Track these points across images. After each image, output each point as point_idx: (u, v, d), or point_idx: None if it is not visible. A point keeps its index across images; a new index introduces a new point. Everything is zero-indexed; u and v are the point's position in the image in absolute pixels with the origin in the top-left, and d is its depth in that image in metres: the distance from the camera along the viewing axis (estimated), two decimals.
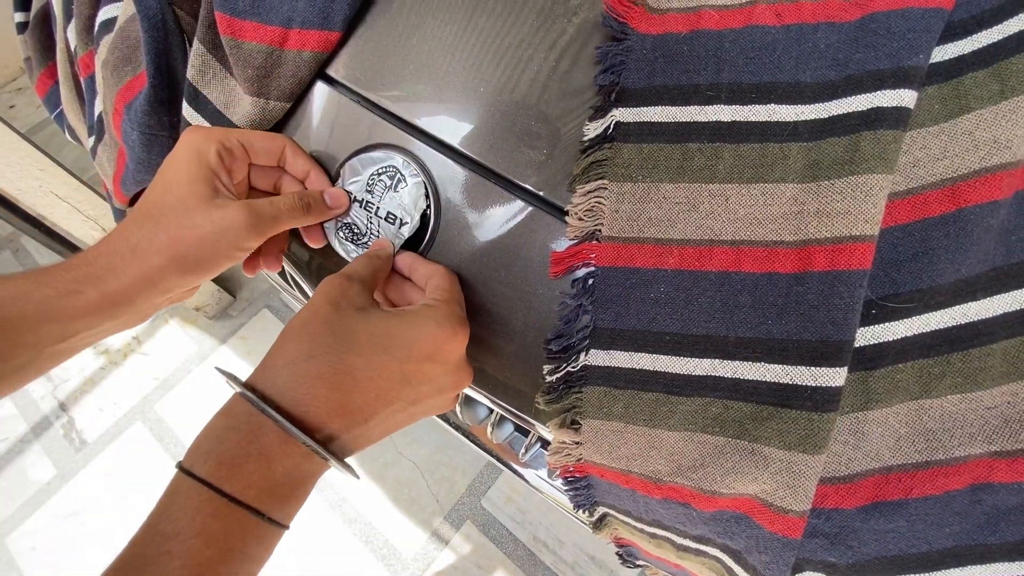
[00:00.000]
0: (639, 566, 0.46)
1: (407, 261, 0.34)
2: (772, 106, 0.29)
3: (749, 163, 0.28)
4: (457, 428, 0.52)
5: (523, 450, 0.44)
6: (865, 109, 0.27)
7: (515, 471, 0.51)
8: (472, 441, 0.51)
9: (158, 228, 0.29)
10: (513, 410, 0.34)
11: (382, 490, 0.99)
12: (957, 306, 0.26)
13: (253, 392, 0.26)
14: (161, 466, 1.03)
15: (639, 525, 0.35)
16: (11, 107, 1.55)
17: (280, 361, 0.27)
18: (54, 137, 1.46)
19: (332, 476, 1.01)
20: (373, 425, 0.28)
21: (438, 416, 0.57)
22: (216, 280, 1.13)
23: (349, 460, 0.29)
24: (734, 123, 0.29)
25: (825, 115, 0.28)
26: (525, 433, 0.48)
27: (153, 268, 0.29)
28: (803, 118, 0.28)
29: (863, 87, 0.27)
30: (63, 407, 1.08)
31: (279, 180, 0.36)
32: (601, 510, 0.37)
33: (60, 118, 0.59)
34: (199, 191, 0.30)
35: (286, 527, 0.26)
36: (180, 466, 0.25)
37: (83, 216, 0.83)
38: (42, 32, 0.57)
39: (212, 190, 0.30)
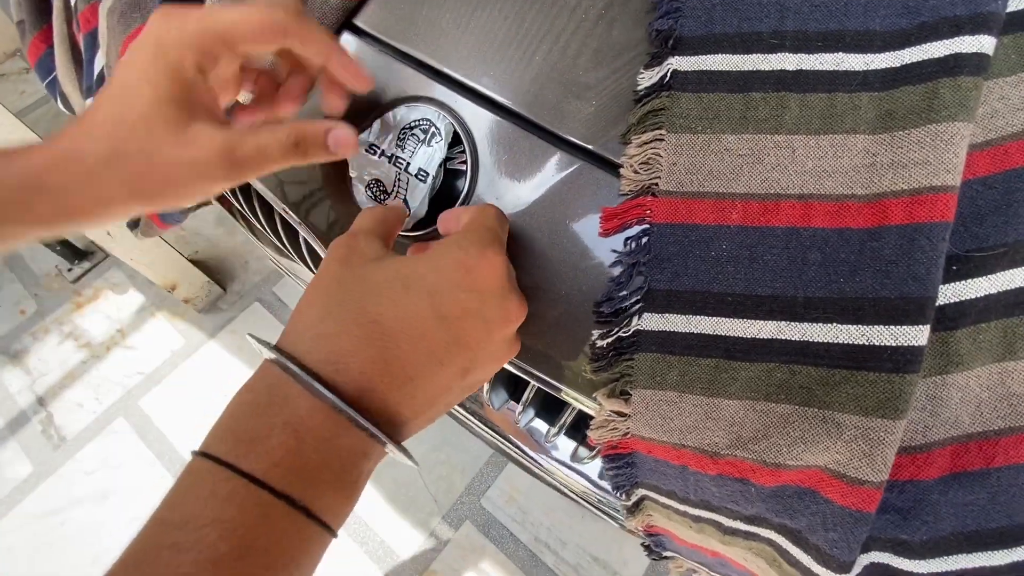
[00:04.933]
0: (666, 557, 0.44)
1: (453, 213, 0.30)
2: (840, 55, 0.27)
3: (817, 113, 0.27)
4: (472, 414, 0.50)
5: (552, 431, 0.42)
6: (943, 56, 0.26)
7: (532, 459, 0.48)
8: (484, 425, 0.48)
9: (117, 158, 0.24)
10: (554, 382, 0.32)
11: (378, 490, 0.96)
12: None
13: (282, 352, 0.22)
14: (145, 464, 0.98)
15: (683, 508, 0.33)
16: None
17: (297, 328, 0.24)
18: (38, 124, 1.41)
19: None
20: (423, 384, 0.23)
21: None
22: (206, 272, 1.09)
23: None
24: (800, 72, 0.27)
25: (897, 63, 0.27)
26: (550, 420, 0.46)
27: (113, 199, 0.25)
28: (873, 67, 0.27)
29: (939, 34, 0.26)
30: (41, 402, 1.03)
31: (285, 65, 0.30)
32: (640, 492, 0.34)
33: (52, 85, 0.56)
34: (168, 115, 0.24)
35: (332, 529, 0.22)
36: (195, 451, 0.21)
37: None
38: None
39: (185, 114, 0.25)
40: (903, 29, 0.27)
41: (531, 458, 0.49)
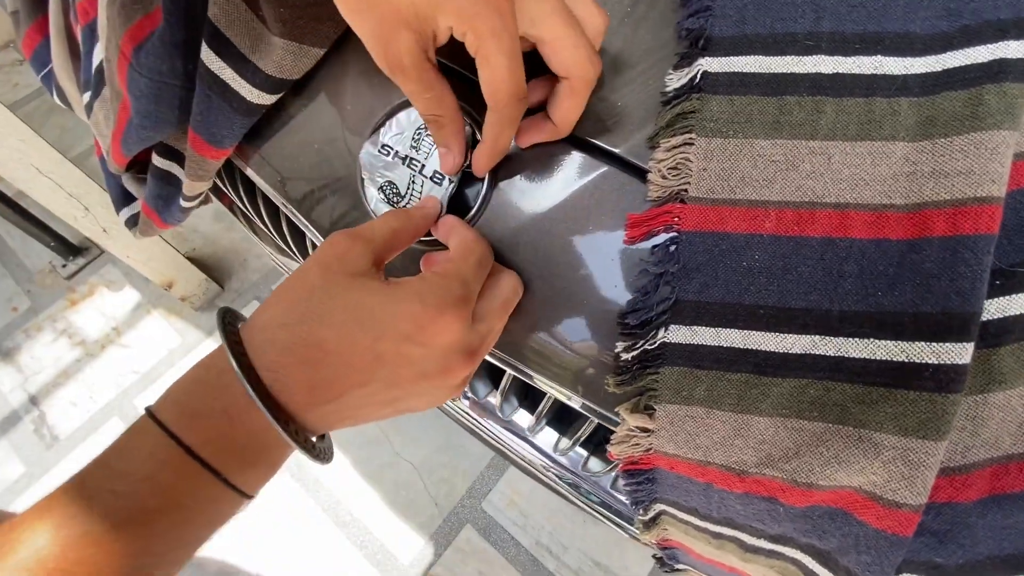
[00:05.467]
0: (678, 570, 0.43)
1: (448, 224, 0.31)
2: (879, 58, 0.26)
3: (854, 119, 0.26)
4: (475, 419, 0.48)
5: (565, 443, 0.41)
6: (987, 61, 0.25)
7: (536, 467, 0.47)
8: (486, 430, 0.47)
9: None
10: (573, 395, 0.31)
11: (378, 492, 0.95)
12: None
13: (238, 346, 0.24)
14: None
15: (703, 524, 0.32)
16: None
17: (258, 323, 0.25)
18: (31, 117, 1.38)
19: (324, 477, 0.96)
20: (345, 405, 0.26)
21: (453, 414, 0.53)
22: (203, 269, 1.08)
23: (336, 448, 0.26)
24: (836, 75, 0.26)
25: (939, 68, 0.25)
26: (560, 429, 0.45)
27: None
28: (913, 71, 0.26)
29: (982, 38, 0.25)
30: (34, 401, 1.01)
31: None
32: (658, 507, 0.33)
33: (48, 78, 0.54)
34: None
35: (248, 496, 0.25)
36: (147, 408, 0.24)
37: (66, 193, 0.77)
38: None
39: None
40: (944, 32, 0.26)
41: (535, 465, 0.48)
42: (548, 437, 0.46)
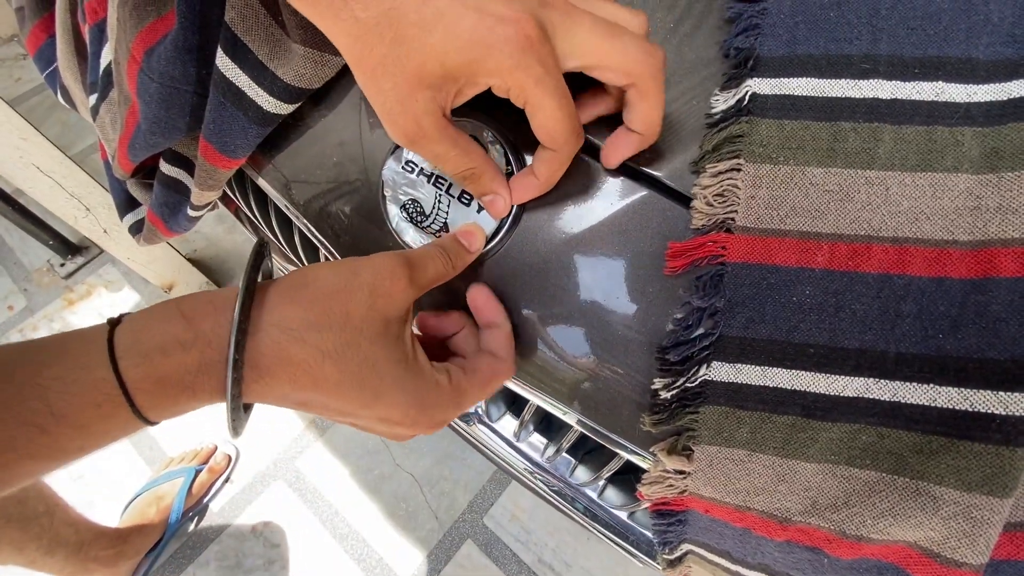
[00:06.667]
0: None
1: (484, 312, 0.30)
2: (940, 84, 0.25)
3: (914, 148, 0.24)
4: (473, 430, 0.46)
5: (586, 480, 0.39)
6: None
7: (552, 493, 0.45)
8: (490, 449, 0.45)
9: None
10: (606, 432, 0.29)
11: (377, 505, 0.93)
12: None
13: (242, 335, 0.23)
14: (134, 470, 0.94)
15: (735, 568, 0.30)
16: None
17: (279, 317, 0.24)
18: (33, 112, 1.37)
19: (322, 487, 0.94)
20: (288, 406, 0.26)
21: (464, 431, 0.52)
22: (204, 271, 1.06)
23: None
24: (895, 101, 0.25)
25: (1004, 97, 0.24)
26: (575, 455, 0.43)
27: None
28: (976, 99, 0.24)
29: None
30: None
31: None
32: (686, 547, 0.32)
33: (52, 77, 0.53)
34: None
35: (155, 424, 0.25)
36: (112, 346, 0.22)
37: (67, 193, 0.75)
38: None
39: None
40: (1009, 59, 0.24)
41: (544, 489, 0.46)
42: (550, 451, 0.44)
